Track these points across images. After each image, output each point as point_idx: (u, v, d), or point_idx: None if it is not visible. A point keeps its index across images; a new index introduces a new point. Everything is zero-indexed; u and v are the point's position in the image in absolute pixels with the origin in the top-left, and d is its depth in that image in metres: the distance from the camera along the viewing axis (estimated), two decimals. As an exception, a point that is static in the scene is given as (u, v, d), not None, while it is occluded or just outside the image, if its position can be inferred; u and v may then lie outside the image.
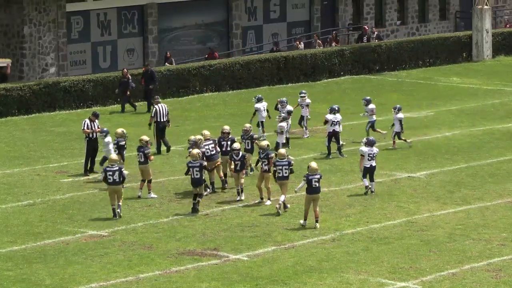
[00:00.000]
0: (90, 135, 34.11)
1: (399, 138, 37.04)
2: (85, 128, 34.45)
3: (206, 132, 32.52)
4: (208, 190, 31.57)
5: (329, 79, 50.37)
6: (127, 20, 50.76)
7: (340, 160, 35.37)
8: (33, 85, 43.27)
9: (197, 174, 29.81)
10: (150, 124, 38.48)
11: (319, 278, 23.19)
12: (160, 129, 37.91)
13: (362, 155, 31.32)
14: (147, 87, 45.37)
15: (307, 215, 28.11)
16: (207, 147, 31.59)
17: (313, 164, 29.41)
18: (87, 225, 27.93)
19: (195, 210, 29.86)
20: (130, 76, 45.27)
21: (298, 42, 53.93)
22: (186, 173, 30.41)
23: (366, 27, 55.95)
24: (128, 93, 44.89)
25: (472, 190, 30.95)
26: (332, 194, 30.79)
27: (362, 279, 23.10)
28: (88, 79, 45.42)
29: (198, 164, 29.93)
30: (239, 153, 31.35)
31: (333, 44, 54.09)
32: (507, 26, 60.08)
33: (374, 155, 31.54)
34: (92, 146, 34.16)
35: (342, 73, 50.86)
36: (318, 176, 28.74)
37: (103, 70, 49.28)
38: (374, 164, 31.49)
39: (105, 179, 29.34)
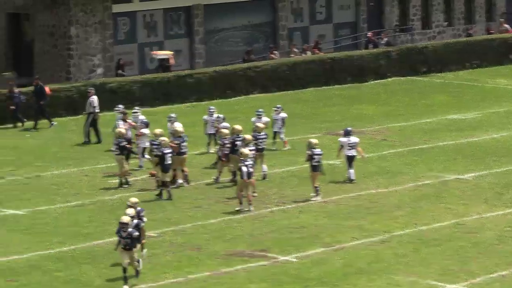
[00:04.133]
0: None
1: (278, 138, 37.46)
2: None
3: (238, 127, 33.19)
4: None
5: (376, 81, 50.43)
6: (173, 21, 50.96)
7: (387, 161, 35.26)
8: (81, 86, 43.47)
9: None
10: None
11: (369, 280, 23.20)
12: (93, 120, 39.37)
13: (342, 146, 32.32)
14: (37, 103, 42.82)
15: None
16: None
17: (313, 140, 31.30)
18: (150, 226, 27.21)
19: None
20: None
21: (292, 47, 53.14)
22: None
23: (370, 34, 55.22)
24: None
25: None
26: (381, 196, 30.70)
27: (412, 281, 23.12)
28: (135, 80, 45.80)
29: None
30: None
31: (315, 52, 53.20)
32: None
33: (354, 144, 32.29)
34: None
35: (389, 74, 50.78)
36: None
37: (150, 71, 49.35)
38: (354, 153, 32.33)
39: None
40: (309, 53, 52.85)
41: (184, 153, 32.89)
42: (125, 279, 22.41)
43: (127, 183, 32.89)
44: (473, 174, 32.88)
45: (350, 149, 31.97)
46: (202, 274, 23.78)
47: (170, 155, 31.71)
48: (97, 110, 39.64)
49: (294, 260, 24.76)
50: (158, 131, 32.85)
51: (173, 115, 36.23)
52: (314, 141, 31.11)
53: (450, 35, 57.56)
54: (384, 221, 27.95)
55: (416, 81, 50.34)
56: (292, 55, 52.25)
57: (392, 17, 56.56)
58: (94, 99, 39.73)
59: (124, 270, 22.41)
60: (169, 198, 31.30)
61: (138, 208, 23.88)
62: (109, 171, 34.70)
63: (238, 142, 32.56)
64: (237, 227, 27.80)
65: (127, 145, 32.76)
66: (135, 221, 23.26)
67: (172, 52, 49.40)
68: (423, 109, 42.87)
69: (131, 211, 23.29)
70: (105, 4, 48.18)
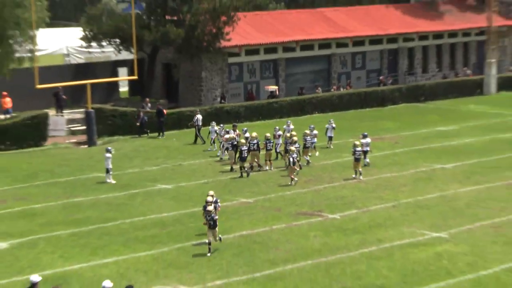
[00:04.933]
0: (234, 142, 32.61)
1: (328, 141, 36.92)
2: (226, 136, 33.69)
3: (254, 134, 32.53)
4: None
5: (392, 106, 49.75)
6: (266, 68, 50.19)
7: (398, 156, 34.72)
8: (207, 108, 43.01)
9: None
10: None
11: (385, 230, 23.58)
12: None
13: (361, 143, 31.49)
14: (158, 120, 40.76)
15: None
16: (252, 142, 31.78)
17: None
18: (248, 196, 28.01)
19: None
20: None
21: (317, 88, 50.81)
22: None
23: (381, 77, 53.76)
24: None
25: (482, 176, 30.47)
26: (393, 178, 30.53)
27: (411, 231, 23.43)
28: (242, 105, 45.33)
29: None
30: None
31: (347, 88, 51.85)
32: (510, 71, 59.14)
33: (368, 143, 32.00)
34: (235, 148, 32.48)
35: (400, 102, 50.06)
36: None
37: (248, 99, 48.47)
38: (368, 148, 32.08)
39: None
40: (343, 89, 51.66)
41: (266, 149, 32.47)
42: (209, 249, 21.28)
43: (251, 169, 31.82)
44: (452, 165, 32.73)
45: (366, 146, 31.74)
46: (281, 225, 24.05)
47: (246, 149, 31.23)
48: (200, 123, 38.52)
49: (338, 217, 25.10)
50: (254, 134, 32.58)
51: (251, 134, 33.50)
52: (357, 142, 31.00)
53: (440, 77, 56.56)
54: (394, 194, 28.04)
55: (417, 106, 49.65)
56: (332, 90, 51.02)
57: (404, 66, 56.20)
58: (199, 116, 38.73)
59: (209, 243, 21.29)
60: (248, 176, 31.05)
61: (215, 198, 22.28)
62: (224, 161, 34.01)
63: (269, 144, 32.39)
64: (304, 197, 27.71)
65: (235, 144, 32.33)
66: (213, 206, 21.60)
67: (277, 87, 48.96)
68: (421, 124, 42.74)
69: (210, 198, 21.85)
70: (223, 57, 47.84)
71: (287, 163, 30.63)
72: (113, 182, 30.23)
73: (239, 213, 25.73)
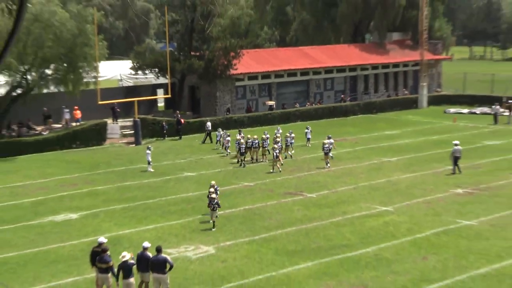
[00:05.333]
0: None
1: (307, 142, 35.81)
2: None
3: (255, 136, 32.18)
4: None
5: (353, 116, 49.29)
6: (262, 89, 49.07)
7: (358, 152, 34.31)
8: (221, 118, 42.09)
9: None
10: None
11: (348, 205, 23.47)
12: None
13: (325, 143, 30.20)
14: (177, 128, 38.97)
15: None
16: (253, 141, 31.35)
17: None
18: (250, 181, 27.72)
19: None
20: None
21: (296, 104, 49.14)
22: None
23: (343, 96, 52.38)
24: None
25: (417, 166, 30.26)
26: (353, 168, 30.28)
27: (367, 206, 23.36)
28: (245, 115, 44.08)
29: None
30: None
31: (318, 103, 50.08)
32: (436, 91, 59.04)
33: (331, 143, 30.62)
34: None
35: (359, 113, 49.95)
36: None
37: (248, 111, 47.06)
38: (331, 147, 30.49)
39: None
40: (314, 105, 49.66)
41: (262, 147, 31.74)
42: (213, 226, 20.32)
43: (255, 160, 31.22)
44: (395, 158, 32.42)
45: (329, 146, 30.46)
46: (273, 202, 23.91)
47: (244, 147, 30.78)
48: (209, 129, 37.82)
49: (315, 196, 24.95)
50: (255, 136, 32.26)
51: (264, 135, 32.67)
52: (325, 141, 30.47)
53: (386, 95, 56.31)
54: (355, 179, 27.84)
55: (371, 116, 48.78)
56: (307, 105, 49.36)
57: (361, 88, 55.52)
58: (209, 124, 38.06)
59: (213, 223, 20.39)
60: (244, 166, 30.39)
61: (216, 186, 21.33)
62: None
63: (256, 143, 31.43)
64: (290, 182, 27.45)
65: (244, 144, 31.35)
66: (215, 194, 20.50)
67: (274, 102, 47.91)
68: (374, 129, 42.56)
69: (212, 189, 20.72)
70: (232, 82, 46.50)
71: (273, 157, 30.21)
72: (152, 171, 29.79)
73: (243, 193, 25.67)
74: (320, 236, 19.79)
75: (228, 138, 33.30)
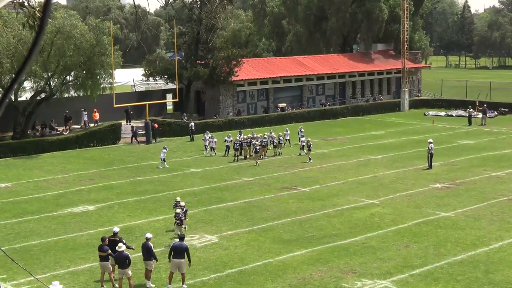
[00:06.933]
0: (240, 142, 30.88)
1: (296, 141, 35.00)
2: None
3: (256, 135, 32.00)
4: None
5: (342, 118, 48.44)
6: (261, 94, 48.41)
7: (345, 151, 33.80)
8: (223, 120, 41.37)
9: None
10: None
11: (338, 198, 23.29)
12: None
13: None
14: (152, 131, 36.46)
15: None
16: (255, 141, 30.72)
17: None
18: (249, 176, 27.32)
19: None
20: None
21: (290, 107, 48.14)
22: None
23: (323, 101, 50.91)
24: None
25: (400, 163, 30.00)
26: (341, 165, 29.64)
27: (355, 199, 23.15)
28: (245, 117, 43.20)
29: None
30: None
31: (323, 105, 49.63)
32: (416, 96, 58.81)
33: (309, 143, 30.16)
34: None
35: (347, 115, 49.14)
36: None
37: (246, 114, 46.87)
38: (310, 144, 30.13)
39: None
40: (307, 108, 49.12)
41: (264, 146, 31.21)
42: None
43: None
44: (380, 156, 32.02)
45: (309, 142, 30.07)
46: (270, 195, 23.69)
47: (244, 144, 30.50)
48: (193, 129, 36.82)
49: (308, 190, 24.69)
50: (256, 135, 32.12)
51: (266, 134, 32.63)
52: (309, 141, 30.16)
53: (372, 99, 55.89)
54: (344, 175, 27.47)
55: (358, 118, 48.25)
56: (300, 108, 48.37)
57: (349, 93, 55.34)
58: (192, 124, 37.01)
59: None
60: (237, 161, 30.19)
61: (182, 203, 18.24)
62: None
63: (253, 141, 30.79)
64: (286, 177, 27.12)
65: (240, 143, 30.84)
66: (183, 210, 17.65)
67: (285, 104, 46.91)
68: (361, 130, 42.26)
69: (178, 207, 17.86)
70: (234, 87, 46.08)
71: (260, 154, 30.12)
72: (161, 167, 29.15)
73: (243, 187, 25.45)
74: (313, 226, 19.65)
75: (215, 140, 32.39)
